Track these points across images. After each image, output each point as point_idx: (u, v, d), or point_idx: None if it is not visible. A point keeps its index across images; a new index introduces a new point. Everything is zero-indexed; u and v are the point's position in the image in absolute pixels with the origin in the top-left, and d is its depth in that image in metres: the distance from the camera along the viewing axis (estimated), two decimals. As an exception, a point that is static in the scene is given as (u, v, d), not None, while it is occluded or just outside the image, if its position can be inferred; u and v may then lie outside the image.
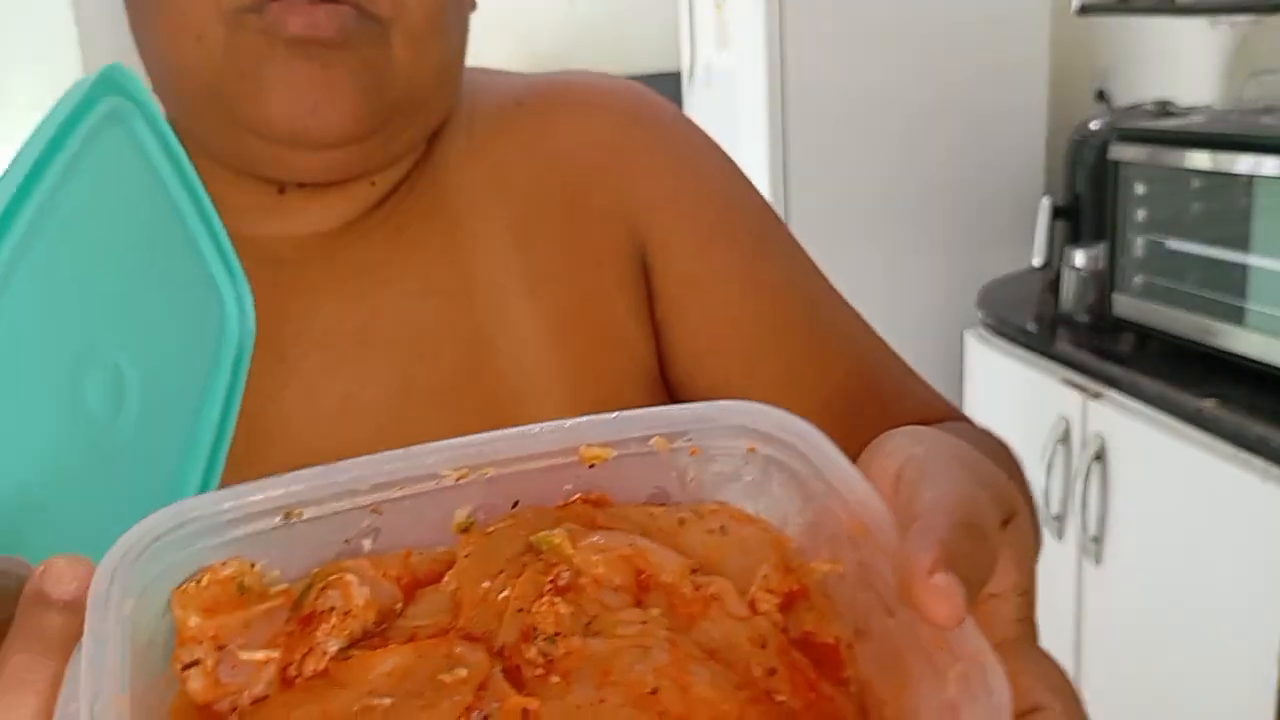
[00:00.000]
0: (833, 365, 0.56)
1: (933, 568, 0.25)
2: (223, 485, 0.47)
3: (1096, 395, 1.52)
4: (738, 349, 0.55)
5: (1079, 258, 1.68)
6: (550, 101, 0.56)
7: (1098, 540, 1.53)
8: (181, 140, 0.47)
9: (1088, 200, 1.79)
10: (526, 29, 3.93)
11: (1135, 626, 1.49)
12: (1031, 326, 1.71)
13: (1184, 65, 1.97)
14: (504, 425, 0.48)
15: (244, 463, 0.48)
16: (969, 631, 0.25)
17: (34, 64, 2.81)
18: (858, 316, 0.59)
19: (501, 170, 0.54)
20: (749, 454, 0.32)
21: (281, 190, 0.51)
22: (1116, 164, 1.56)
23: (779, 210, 2.02)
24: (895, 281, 2.10)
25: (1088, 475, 1.51)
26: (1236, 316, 1.40)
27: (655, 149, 0.56)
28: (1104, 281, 1.63)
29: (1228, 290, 1.42)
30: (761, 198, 0.60)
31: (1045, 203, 1.85)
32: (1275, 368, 1.34)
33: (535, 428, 0.32)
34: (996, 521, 0.28)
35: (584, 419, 0.32)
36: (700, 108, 2.53)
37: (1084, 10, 1.83)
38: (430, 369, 0.50)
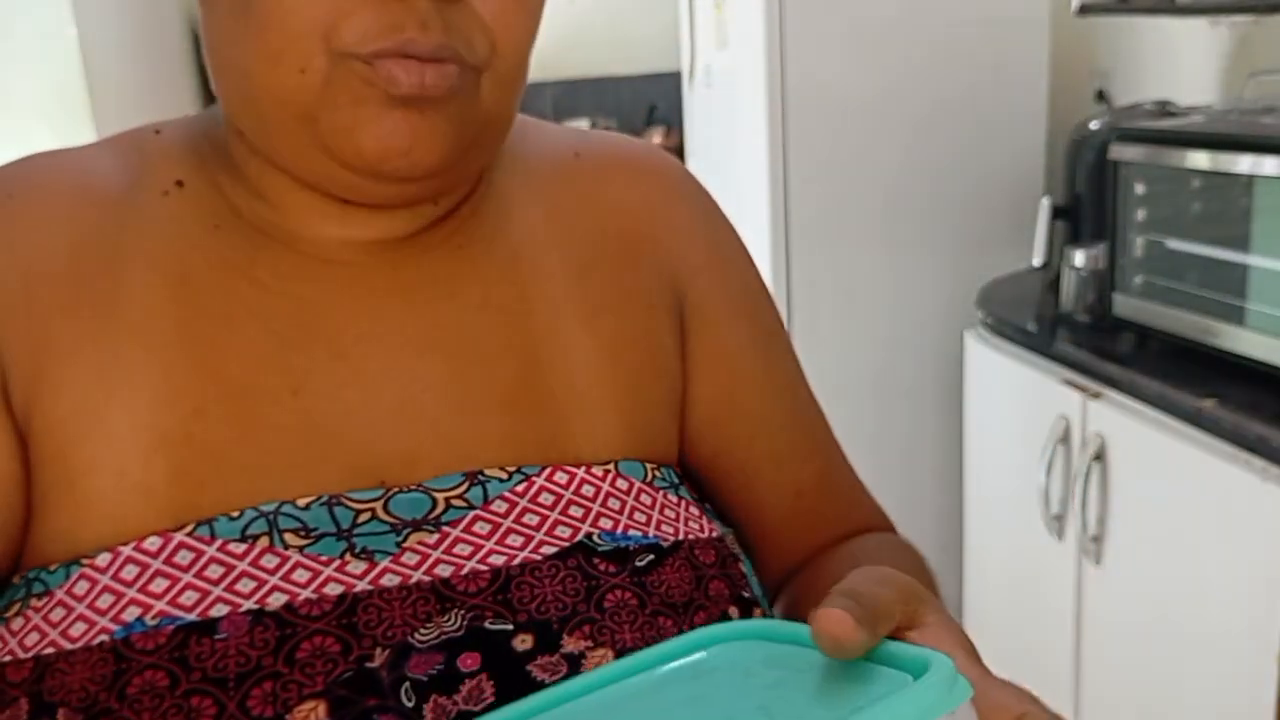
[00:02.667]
0: (810, 459, 0.62)
1: (829, 603, 0.35)
2: (284, 481, 0.47)
3: (1096, 395, 1.52)
4: (745, 420, 0.60)
5: (1079, 258, 1.68)
6: (607, 159, 0.61)
7: (1097, 540, 1.53)
8: (251, 147, 0.50)
9: (1087, 200, 1.79)
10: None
11: (1135, 626, 1.49)
12: (1031, 326, 1.71)
13: (1184, 65, 1.97)
14: (552, 439, 0.52)
15: (303, 460, 0.48)
16: None
17: (34, 64, 2.81)
18: (827, 422, 0.66)
19: (560, 212, 0.58)
20: None
21: (347, 202, 0.51)
22: (1116, 164, 1.56)
23: (779, 211, 2.02)
24: (895, 281, 2.10)
25: (1087, 475, 1.51)
26: (1236, 316, 1.40)
27: (696, 221, 0.61)
28: (1104, 281, 1.63)
29: (1228, 290, 1.42)
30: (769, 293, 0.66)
31: (1045, 203, 1.85)
32: (1275, 368, 1.34)
33: None
34: (892, 597, 0.38)
35: None
36: (700, 108, 2.53)
37: (1084, 10, 1.83)
38: (486, 380, 0.52)
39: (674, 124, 3.33)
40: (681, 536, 0.51)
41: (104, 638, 0.43)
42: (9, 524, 0.46)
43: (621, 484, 0.51)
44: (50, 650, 0.43)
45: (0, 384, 0.47)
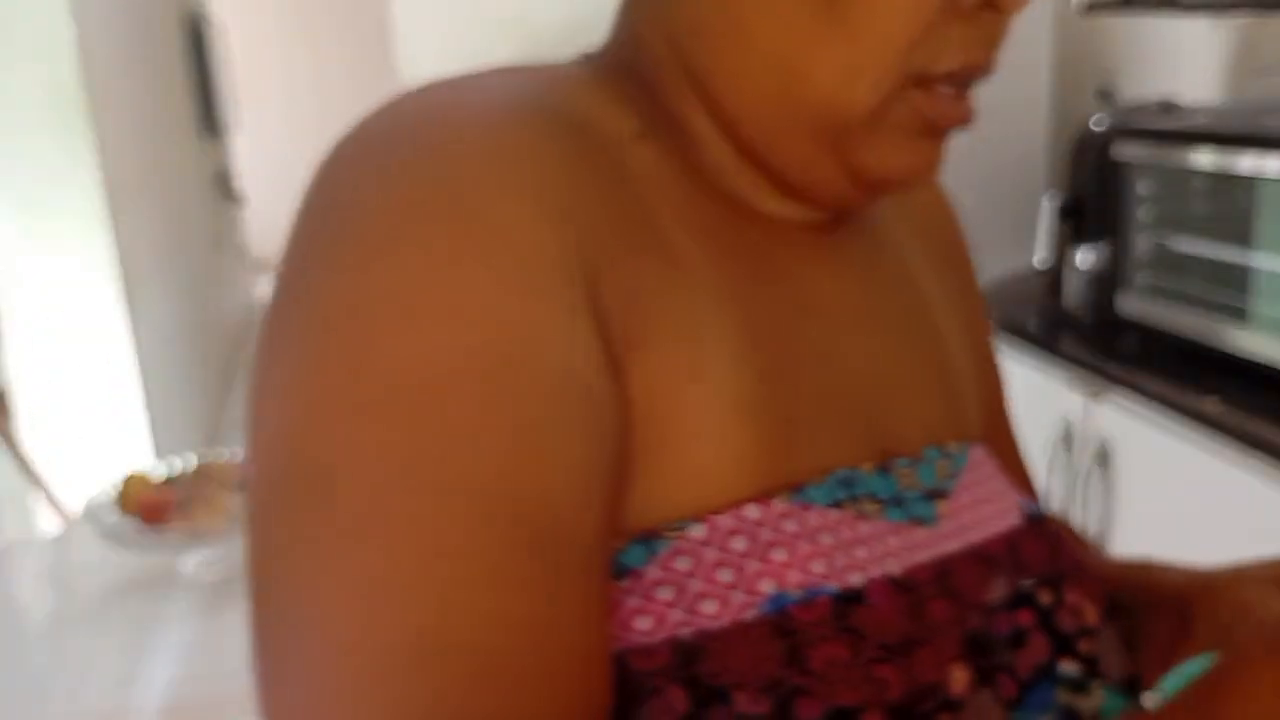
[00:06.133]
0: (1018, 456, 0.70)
1: None
2: (835, 447, 0.47)
3: (1099, 395, 1.51)
4: (1000, 432, 0.66)
5: (1082, 257, 1.68)
6: None
7: (1100, 541, 1.52)
8: (725, 128, 0.48)
9: (1091, 199, 1.79)
10: (526, 24, 3.93)
11: (1138, 627, 1.48)
12: (1034, 326, 1.71)
13: (1187, 64, 1.97)
14: (962, 416, 0.54)
15: (841, 428, 0.48)
16: None
17: (34, 64, 2.80)
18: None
19: (906, 210, 0.60)
20: None
21: (799, 192, 0.51)
22: (1119, 163, 1.56)
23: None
24: (896, 281, 2.10)
25: (1090, 475, 1.51)
26: (1240, 316, 1.40)
27: (964, 239, 0.66)
28: (1106, 281, 1.63)
29: (1231, 290, 1.42)
30: None
31: (1048, 202, 1.84)
32: (1278, 367, 1.33)
33: None
34: None
35: None
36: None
37: (1087, 9, 1.82)
38: (911, 355, 0.54)
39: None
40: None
41: (752, 613, 0.41)
42: (611, 489, 0.42)
43: (994, 462, 0.56)
44: (686, 631, 0.40)
45: (603, 338, 0.41)
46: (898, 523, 0.46)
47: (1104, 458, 1.50)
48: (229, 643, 1.33)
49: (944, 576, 0.46)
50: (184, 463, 1.59)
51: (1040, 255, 1.85)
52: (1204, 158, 1.43)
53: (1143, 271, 1.57)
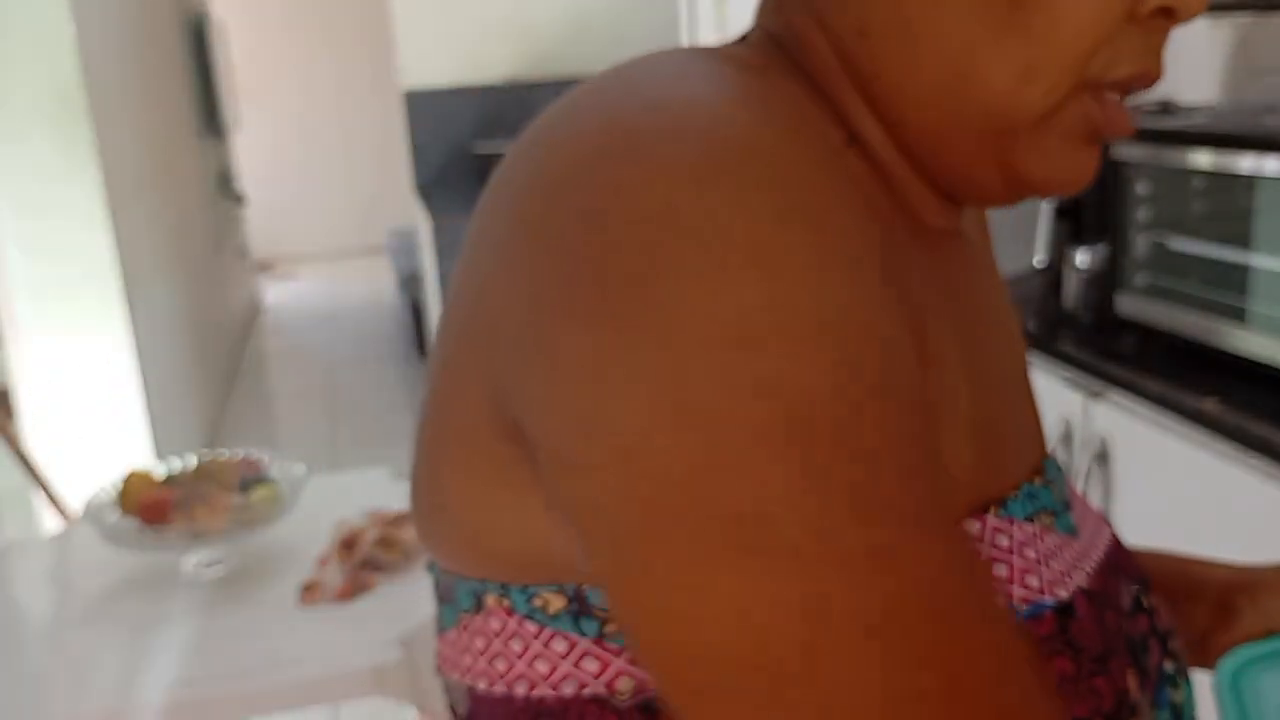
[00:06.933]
0: None
1: None
2: (1015, 459, 0.48)
3: (1098, 395, 1.51)
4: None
5: (1081, 257, 1.68)
6: None
7: (1100, 540, 1.52)
8: (894, 134, 0.46)
9: (1089, 200, 1.79)
10: (526, 26, 3.93)
11: (1137, 627, 1.49)
12: (1033, 326, 1.71)
13: (1186, 64, 1.97)
14: (1037, 417, 0.54)
15: (1013, 441, 0.49)
16: None
17: (34, 64, 2.80)
18: None
19: None
20: None
21: (947, 197, 0.50)
22: (1118, 163, 1.56)
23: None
24: (896, 281, 2.10)
25: (1089, 475, 1.51)
26: (1239, 316, 1.40)
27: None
28: (1106, 281, 1.63)
29: (1230, 290, 1.42)
30: None
31: (1047, 203, 1.84)
32: (1278, 367, 1.34)
33: None
34: None
35: None
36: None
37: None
38: (1019, 354, 0.55)
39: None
40: None
41: None
42: None
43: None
44: None
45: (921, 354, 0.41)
46: (1064, 535, 0.48)
47: (1103, 457, 1.50)
48: (229, 642, 1.34)
49: (1105, 587, 0.48)
50: (184, 462, 1.59)
51: (1039, 256, 1.85)
52: (1203, 158, 1.43)
53: (1142, 272, 1.57)
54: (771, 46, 0.48)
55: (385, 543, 1.47)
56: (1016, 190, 0.47)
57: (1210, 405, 1.33)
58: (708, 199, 0.35)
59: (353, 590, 1.40)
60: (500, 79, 3.88)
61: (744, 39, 0.50)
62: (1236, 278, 1.41)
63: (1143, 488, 1.45)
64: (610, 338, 0.34)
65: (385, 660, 1.27)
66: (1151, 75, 0.45)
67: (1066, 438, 1.57)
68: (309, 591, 1.40)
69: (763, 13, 0.50)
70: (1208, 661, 0.59)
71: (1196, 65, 1.95)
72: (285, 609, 1.39)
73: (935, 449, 0.37)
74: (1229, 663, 0.56)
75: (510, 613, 0.43)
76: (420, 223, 4.02)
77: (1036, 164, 0.45)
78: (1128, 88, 0.45)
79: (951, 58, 0.44)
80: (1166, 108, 1.78)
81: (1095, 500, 1.51)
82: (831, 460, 0.33)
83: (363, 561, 1.45)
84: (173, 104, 4.61)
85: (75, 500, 1.97)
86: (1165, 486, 1.41)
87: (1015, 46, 0.43)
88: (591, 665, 0.41)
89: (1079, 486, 1.51)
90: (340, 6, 7.46)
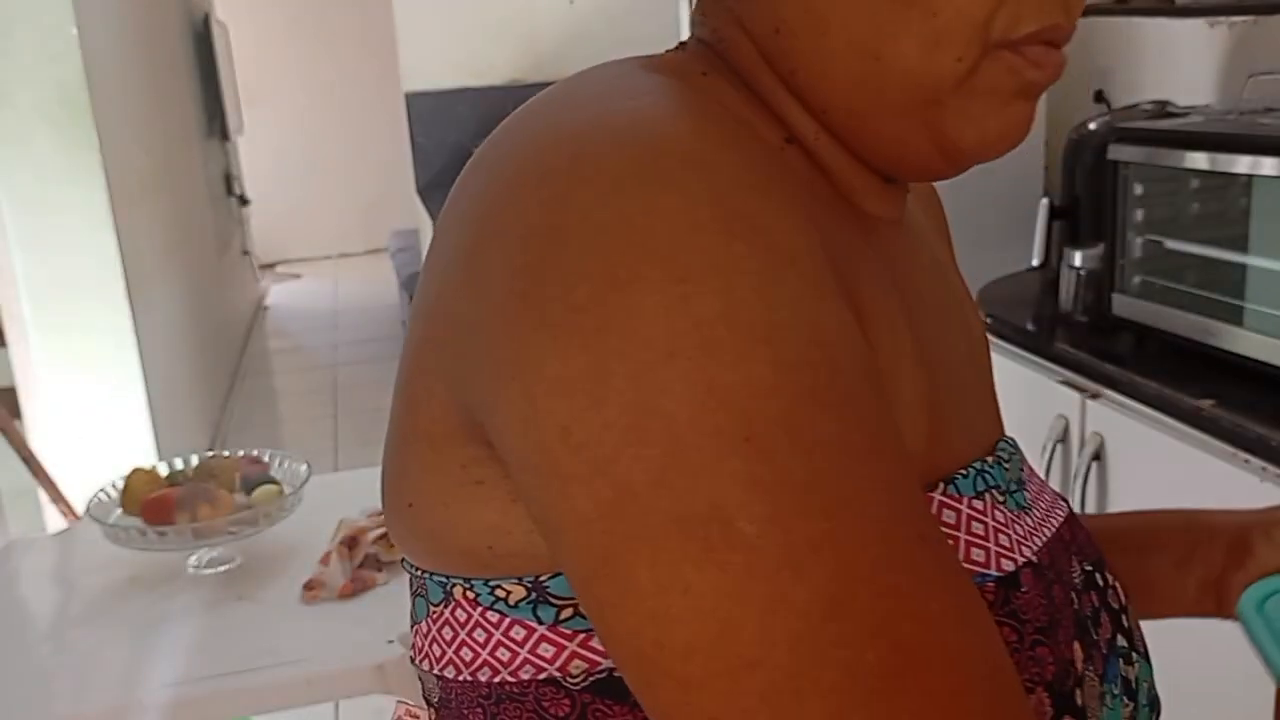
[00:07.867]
0: None
1: None
2: (967, 439, 0.50)
3: (1095, 395, 1.52)
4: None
5: (1077, 258, 1.69)
6: None
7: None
8: (823, 121, 0.48)
9: (1086, 200, 1.80)
10: (527, 29, 3.94)
11: (1134, 625, 1.49)
12: (1030, 326, 1.72)
13: (1182, 66, 1.98)
14: (994, 399, 0.56)
15: (969, 419, 0.51)
16: None
17: (38, 65, 2.82)
18: None
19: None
20: None
21: (888, 180, 0.52)
22: (1115, 164, 1.57)
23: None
24: (895, 281, 2.10)
25: (1086, 475, 1.51)
26: (1235, 316, 1.41)
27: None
28: (1102, 282, 1.64)
29: (1226, 290, 1.43)
30: None
31: (1044, 203, 1.85)
32: (1274, 367, 1.34)
33: None
34: None
35: None
36: (701, 108, 2.53)
37: (1082, 11, 1.83)
38: (967, 336, 0.56)
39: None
40: None
41: None
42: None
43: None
44: None
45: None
46: (1015, 511, 0.49)
47: (1099, 457, 1.51)
48: (231, 640, 1.35)
49: (1054, 562, 0.49)
50: (187, 461, 1.60)
51: (1036, 256, 1.86)
52: (1199, 159, 1.44)
53: (1138, 272, 1.58)
54: (707, 53, 0.50)
55: (387, 541, 1.48)
56: (953, 159, 0.49)
57: (1206, 405, 1.34)
58: (657, 212, 0.37)
59: (354, 588, 1.41)
60: (502, 81, 3.89)
61: (682, 46, 0.52)
62: (1233, 278, 1.42)
63: (1139, 487, 1.46)
64: (577, 353, 0.36)
65: (387, 658, 1.28)
66: (1063, 28, 0.46)
67: (1063, 437, 1.57)
68: (311, 590, 1.41)
69: (694, 21, 0.52)
70: (1228, 601, 0.63)
71: (1193, 67, 1.95)
72: (287, 607, 1.40)
73: (895, 430, 0.40)
74: (1254, 592, 0.58)
75: (475, 604, 0.45)
76: (422, 224, 4.03)
77: (966, 129, 0.47)
78: (1043, 40, 0.46)
79: (861, 41, 0.45)
80: (1163, 109, 1.79)
81: (1091, 500, 1.51)
82: (783, 458, 0.35)
83: (364, 560, 1.46)
84: (177, 106, 4.62)
85: (78, 499, 1.97)
86: (1161, 486, 1.41)
87: (918, 20, 0.44)
88: (547, 650, 0.43)
89: (1076, 486, 1.52)
90: (343, 9, 7.47)
